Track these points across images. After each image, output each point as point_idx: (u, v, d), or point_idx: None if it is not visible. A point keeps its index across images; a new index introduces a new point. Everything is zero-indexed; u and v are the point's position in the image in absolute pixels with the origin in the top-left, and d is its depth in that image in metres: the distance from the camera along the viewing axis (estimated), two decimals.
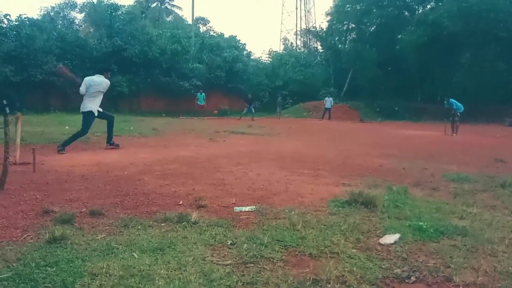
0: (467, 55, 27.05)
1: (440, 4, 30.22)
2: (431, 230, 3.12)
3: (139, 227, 3.14)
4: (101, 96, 8.11)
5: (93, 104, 7.91)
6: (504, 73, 25.27)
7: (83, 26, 33.07)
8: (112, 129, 8.58)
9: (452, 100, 16.21)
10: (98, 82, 8.01)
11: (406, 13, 35.34)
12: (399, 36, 32.16)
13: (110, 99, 25.86)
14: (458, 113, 15.71)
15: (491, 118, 22.83)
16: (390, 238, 2.95)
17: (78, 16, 34.38)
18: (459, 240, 2.98)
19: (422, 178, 5.59)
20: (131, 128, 12.80)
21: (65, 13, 33.09)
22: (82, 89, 7.83)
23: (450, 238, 3.02)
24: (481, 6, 24.50)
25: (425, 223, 3.26)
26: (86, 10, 32.74)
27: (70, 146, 7.74)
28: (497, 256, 2.71)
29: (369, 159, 7.48)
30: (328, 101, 26.50)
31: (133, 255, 2.60)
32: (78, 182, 4.78)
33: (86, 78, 8.09)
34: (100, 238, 2.91)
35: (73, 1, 34.17)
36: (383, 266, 2.51)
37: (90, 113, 7.89)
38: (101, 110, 8.12)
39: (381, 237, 3.02)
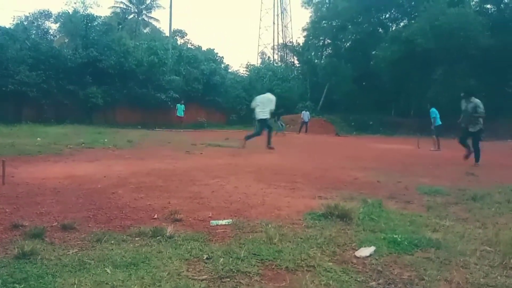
0: (440, 71, 27.89)
1: (413, 22, 31.23)
2: (406, 243, 3.16)
3: (112, 242, 3.07)
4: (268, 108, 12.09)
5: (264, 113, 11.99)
6: (475, 90, 26.13)
7: (57, 36, 32.57)
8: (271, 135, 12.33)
9: (432, 109, 15.48)
10: (266, 98, 12.27)
11: (380, 30, 36.32)
12: (373, 52, 32.97)
13: (85, 110, 25.53)
14: (432, 126, 15.22)
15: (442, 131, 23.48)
16: (365, 251, 2.97)
17: (53, 26, 33.92)
18: (432, 252, 3.02)
19: (397, 191, 5.68)
20: (106, 140, 12.59)
21: (39, 22, 32.55)
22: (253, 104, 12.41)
23: (424, 251, 3.06)
24: (453, 24, 25.39)
25: (400, 236, 3.30)
26: (61, 20, 32.32)
27: (41, 158, 7.54)
28: (469, 268, 2.76)
29: (345, 172, 7.57)
30: (306, 115, 26.77)
31: (106, 270, 2.53)
32: (49, 195, 4.65)
33: (258, 97, 12.71)
34: (72, 253, 2.82)
35: (48, 11, 33.72)
36: (358, 279, 2.53)
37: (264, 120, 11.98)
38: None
39: (356, 250, 3.04)
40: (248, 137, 12.43)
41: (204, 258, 2.80)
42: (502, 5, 31.49)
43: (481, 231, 3.67)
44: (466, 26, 25.56)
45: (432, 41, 26.14)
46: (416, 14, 30.95)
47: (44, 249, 2.84)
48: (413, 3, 33.18)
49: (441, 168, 8.84)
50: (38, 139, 12.08)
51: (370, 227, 3.65)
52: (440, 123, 15.29)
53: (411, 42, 27.45)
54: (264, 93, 13.04)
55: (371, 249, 3.01)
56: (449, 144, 15.13)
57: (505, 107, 27.25)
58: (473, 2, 32.29)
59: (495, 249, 3.09)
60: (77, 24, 27.99)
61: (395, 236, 3.30)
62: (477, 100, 9.59)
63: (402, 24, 35.18)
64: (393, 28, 35.66)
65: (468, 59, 26.86)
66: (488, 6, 32.32)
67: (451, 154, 12.98)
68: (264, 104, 12.32)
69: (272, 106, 12.29)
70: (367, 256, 2.90)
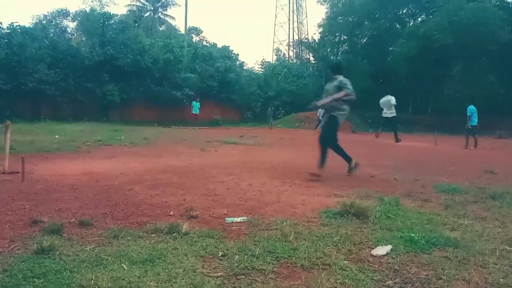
0: (458, 67, 27.42)
1: (431, 17, 30.72)
2: (423, 242, 3.11)
3: (129, 238, 3.10)
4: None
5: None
6: (493, 85, 25.64)
7: (75, 34, 33.05)
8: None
9: (470, 107, 14.58)
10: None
11: (398, 25, 35.83)
12: (390, 48, 32.57)
13: (101, 108, 25.89)
14: (469, 126, 14.41)
15: (481, 130, 23.06)
16: (382, 250, 2.94)
17: (71, 25, 34.41)
18: (450, 251, 2.97)
19: (414, 189, 5.60)
20: (122, 137, 12.74)
21: (57, 21, 33.06)
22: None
23: (442, 250, 3.01)
24: (471, 19, 24.90)
25: (417, 235, 3.25)
26: (79, 18, 32.77)
27: (59, 155, 7.65)
28: (488, 267, 2.70)
29: (361, 169, 7.49)
30: (322, 112, 26.62)
31: (122, 266, 2.55)
32: (67, 191, 4.72)
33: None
34: (89, 249, 2.86)
35: (66, 10, 34.22)
36: (375, 278, 2.50)
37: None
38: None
39: (373, 248, 3.00)
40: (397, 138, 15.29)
41: (219, 255, 2.80)
42: None
43: (500, 230, 3.59)
44: (485, 21, 25.02)
45: (450, 36, 25.68)
46: (434, 9, 30.43)
47: (62, 245, 2.88)
48: None
49: (458, 166, 8.69)
50: (56, 136, 12.30)
51: (386, 225, 3.61)
52: (475, 123, 14.44)
53: (429, 38, 27.02)
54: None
55: (388, 247, 2.97)
56: (464, 141, 14.88)
57: None
58: None
59: None
60: (94, 23, 28.38)
61: (412, 234, 3.26)
62: (343, 78, 6.94)
63: (419, 19, 34.64)
64: (411, 23, 35.14)
65: (487, 54, 26.33)
66: (509, 0, 31.59)
67: (468, 151, 12.77)
68: (384, 105, 15.48)
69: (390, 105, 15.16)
70: (384, 255, 2.87)
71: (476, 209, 4.44)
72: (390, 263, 2.74)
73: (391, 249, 2.95)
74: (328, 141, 6.65)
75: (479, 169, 7.86)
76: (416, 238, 3.18)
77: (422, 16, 34.70)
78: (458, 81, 26.79)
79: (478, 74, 25.88)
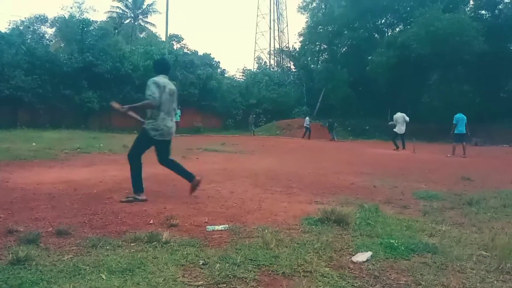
0: (435, 76, 28.06)
1: (408, 27, 31.34)
2: (402, 248, 3.15)
3: (107, 247, 3.04)
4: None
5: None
6: (469, 94, 26.31)
7: (53, 41, 32.54)
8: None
9: (456, 115, 14.60)
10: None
11: (376, 35, 36.46)
12: (369, 57, 33.07)
13: (80, 115, 25.48)
14: (453, 133, 14.42)
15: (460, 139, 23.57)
16: (362, 256, 2.96)
17: (49, 31, 33.90)
18: (429, 257, 3.02)
19: (393, 196, 5.68)
20: (101, 145, 12.55)
21: (35, 27, 32.53)
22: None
23: (421, 256, 3.06)
24: (447, 30, 25.52)
25: (396, 241, 3.29)
26: (57, 25, 32.33)
27: (36, 163, 7.49)
28: (466, 272, 2.76)
29: (341, 177, 7.57)
30: (306, 120, 26.94)
31: (101, 276, 2.51)
32: (44, 200, 4.62)
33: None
34: (67, 258, 2.80)
35: (44, 16, 33.68)
36: (355, 285, 2.52)
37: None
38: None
39: (353, 255, 3.03)
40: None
41: (200, 263, 2.78)
42: (496, 11, 31.72)
43: (477, 235, 3.67)
44: (461, 31, 25.69)
45: (427, 46, 26.26)
46: (412, 19, 31.09)
47: (38, 255, 2.81)
48: (408, 8, 33.36)
49: (436, 173, 8.85)
50: (33, 144, 12.03)
51: (367, 232, 3.65)
52: (461, 131, 14.43)
53: (407, 47, 27.58)
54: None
55: (368, 254, 3.00)
56: (444, 149, 15.20)
57: (499, 112, 27.41)
58: (468, 8, 32.49)
59: (492, 254, 3.10)
60: (73, 29, 28.02)
61: (391, 241, 3.30)
62: (152, 79, 4.99)
63: (397, 29, 35.32)
64: (389, 33, 35.80)
65: (463, 64, 27.04)
66: (483, 12, 32.52)
67: (446, 159, 13.04)
68: (398, 121, 16.58)
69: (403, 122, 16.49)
70: (364, 261, 2.89)
71: (454, 215, 4.52)
72: (370, 269, 2.77)
73: (371, 256, 2.98)
74: (130, 155, 5.03)
75: (456, 176, 8.02)
76: (396, 244, 3.22)
77: (400, 26, 35.38)
78: (435, 89, 27.42)
79: (454, 83, 26.53)
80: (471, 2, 33.13)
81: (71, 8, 30.29)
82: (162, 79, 4.97)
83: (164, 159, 5.16)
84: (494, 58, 27.33)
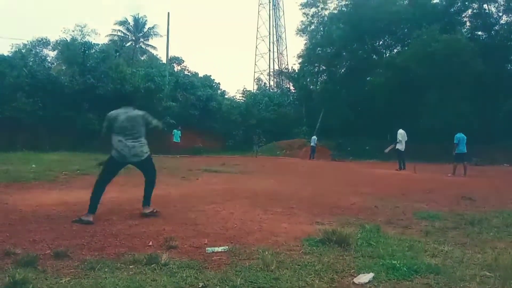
0: (433, 97, 28.17)
1: (406, 48, 31.74)
2: (404, 269, 3.11)
3: (106, 270, 3.01)
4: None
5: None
6: (468, 114, 26.37)
7: (55, 63, 32.85)
8: None
9: (457, 135, 14.64)
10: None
11: (375, 56, 36.85)
12: (368, 78, 33.34)
13: (80, 137, 25.51)
14: (454, 152, 14.48)
15: (462, 158, 23.54)
16: (364, 278, 2.92)
17: (51, 54, 34.23)
18: (432, 278, 2.98)
19: (394, 216, 5.63)
20: (101, 166, 12.51)
21: (37, 50, 32.90)
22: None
23: (423, 277, 3.01)
24: (445, 51, 25.82)
25: (398, 262, 3.25)
26: (59, 48, 32.69)
27: (36, 185, 7.46)
28: None
29: (342, 197, 7.53)
30: (313, 140, 27.04)
31: None
32: (43, 222, 4.58)
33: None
34: (64, 281, 2.76)
35: (46, 39, 34.09)
36: None
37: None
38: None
39: (355, 276, 2.98)
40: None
41: (200, 286, 2.74)
42: (492, 32, 32.17)
43: (480, 256, 3.62)
44: (458, 52, 25.98)
45: (425, 67, 26.53)
46: (409, 40, 31.50)
47: (36, 278, 2.78)
48: (406, 30, 33.83)
49: (438, 193, 8.81)
50: (32, 165, 11.99)
51: (368, 253, 3.60)
52: (462, 151, 14.47)
53: (405, 68, 27.85)
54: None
55: (370, 275, 2.96)
56: (444, 169, 15.16)
57: (499, 132, 27.45)
58: (465, 29, 32.96)
59: (495, 274, 3.05)
60: (74, 52, 28.29)
61: (393, 262, 3.26)
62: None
63: (395, 50, 35.73)
64: (387, 54, 36.21)
65: (461, 84, 27.21)
66: (479, 32, 33.00)
67: (446, 179, 13.00)
68: (403, 138, 16.59)
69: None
70: (366, 283, 2.85)
71: (456, 235, 4.48)
72: None
73: (373, 277, 2.94)
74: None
75: (457, 196, 7.98)
76: (398, 265, 3.18)
77: (397, 48, 35.80)
78: (434, 110, 27.49)
79: (453, 104, 26.61)
80: (468, 24, 33.65)
81: (73, 31, 30.64)
82: (116, 111, 5.76)
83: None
84: (491, 78, 27.58)
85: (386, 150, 17.37)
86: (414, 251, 3.71)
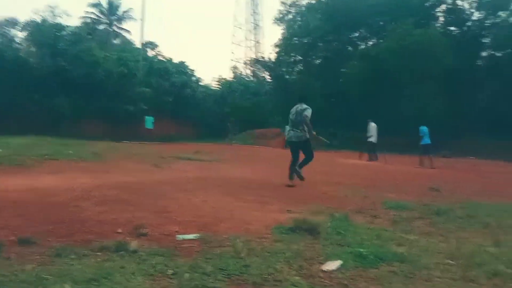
0: (407, 90, 28.73)
1: (381, 41, 32.15)
2: (371, 257, 3.18)
3: (73, 257, 2.95)
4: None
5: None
6: (439, 108, 27.04)
7: (24, 45, 31.65)
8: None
9: (421, 127, 15.30)
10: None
11: (350, 48, 37.16)
12: (343, 70, 33.64)
13: (50, 121, 24.82)
14: (421, 144, 15.07)
15: (430, 150, 24.20)
16: (332, 265, 2.98)
17: (20, 34, 32.92)
18: (397, 266, 3.06)
19: (364, 205, 5.75)
20: (71, 152, 12.21)
21: (5, 30, 31.58)
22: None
23: (389, 265, 3.09)
24: (419, 44, 26.32)
25: (366, 250, 3.33)
26: (29, 29, 31.45)
27: (1, 170, 7.24)
28: (433, 281, 2.81)
29: (313, 186, 7.62)
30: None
31: (64, 286, 2.42)
32: (9, 208, 4.44)
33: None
34: (29, 268, 2.69)
35: (15, 19, 32.75)
36: None
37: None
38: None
39: (323, 264, 3.04)
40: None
41: (169, 273, 2.73)
42: (465, 28, 32.93)
43: (444, 245, 3.75)
44: (431, 46, 26.54)
45: (399, 60, 26.97)
46: (384, 34, 31.91)
47: None
48: (381, 23, 34.21)
49: (406, 184, 9.04)
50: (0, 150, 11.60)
51: (337, 241, 3.67)
52: (429, 142, 15.13)
53: (380, 60, 28.24)
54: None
55: (338, 263, 3.02)
56: (415, 161, 15.55)
57: (468, 126, 28.31)
58: (438, 24, 33.62)
59: (457, 263, 3.17)
60: (45, 33, 27.31)
61: (361, 250, 3.33)
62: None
63: (371, 43, 36.15)
64: (362, 46, 36.59)
65: (434, 78, 27.83)
66: (452, 28, 33.73)
67: (415, 170, 13.35)
68: (374, 131, 17.07)
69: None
70: (334, 270, 2.90)
71: (422, 225, 4.61)
72: (339, 278, 2.78)
73: (341, 264, 3.00)
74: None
75: (425, 187, 8.20)
76: (365, 253, 3.25)
77: (373, 40, 36.22)
78: (407, 103, 28.03)
79: (425, 97, 27.21)
80: (441, 18, 34.32)
81: (44, 12, 29.56)
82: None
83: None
84: (463, 73, 28.32)
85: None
86: (381, 240, 3.80)
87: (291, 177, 7.61)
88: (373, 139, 17.05)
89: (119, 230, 3.76)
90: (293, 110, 8.01)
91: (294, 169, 7.59)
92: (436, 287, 2.70)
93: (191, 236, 3.64)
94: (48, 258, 2.90)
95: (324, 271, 2.89)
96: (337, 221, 4.41)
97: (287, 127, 8.97)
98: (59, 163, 9.64)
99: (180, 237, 3.61)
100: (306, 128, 7.82)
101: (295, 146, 7.99)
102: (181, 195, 5.85)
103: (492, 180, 11.17)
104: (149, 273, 2.71)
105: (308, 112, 7.80)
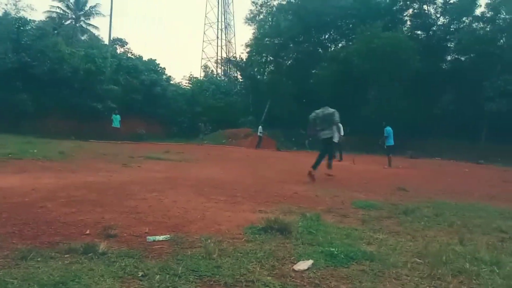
0: (374, 91, 29.41)
1: (350, 43, 32.78)
2: (342, 256, 3.23)
3: (39, 259, 2.85)
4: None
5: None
6: (406, 109, 27.82)
7: None
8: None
9: (386, 128, 15.74)
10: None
11: (320, 50, 37.71)
12: (313, 71, 34.08)
13: (12, 118, 23.88)
14: (385, 145, 15.53)
15: (395, 150, 24.84)
16: (303, 265, 3.00)
17: None
18: (367, 265, 3.12)
19: (334, 205, 5.83)
20: (35, 151, 11.82)
21: None
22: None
23: (359, 263, 3.15)
24: (386, 47, 26.98)
25: (336, 249, 3.37)
26: None
27: None
28: (401, 279, 2.88)
29: (284, 186, 7.67)
30: (260, 129, 27.28)
31: None
32: None
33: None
34: None
35: None
36: None
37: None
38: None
39: (295, 263, 3.06)
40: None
41: (139, 275, 2.68)
42: (431, 32, 34.01)
43: (411, 243, 3.85)
44: (398, 49, 27.27)
45: (367, 62, 27.59)
46: (354, 36, 32.54)
47: None
48: (350, 25, 34.90)
49: (374, 183, 9.23)
50: None
51: (308, 240, 3.70)
52: (392, 143, 15.54)
53: (349, 62, 28.81)
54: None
55: (309, 262, 3.05)
56: (382, 161, 15.91)
57: (433, 127, 29.25)
58: (405, 28, 34.59)
59: (425, 261, 3.26)
60: (7, 27, 26.27)
61: (332, 249, 3.37)
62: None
63: (340, 45, 36.79)
64: (332, 48, 37.19)
65: (401, 81, 28.64)
66: (419, 32, 34.77)
67: (383, 170, 13.66)
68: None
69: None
70: (305, 270, 2.93)
71: (390, 224, 4.72)
72: (311, 277, 2.81)
73: (312, 264, 3.03)
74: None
75: (393, 187, 8.41)
76: (336, 252, 3.29)
77: (342, 42, 36.92)
78: (374, 104, 28.69)
79: (392, 99, 27.94)
80: (408, 22, 35.35)
81: (6, 5, 28.57)
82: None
83: None
84: (428, 76, 29.25)
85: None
86: (351, 239, 3.87)
87: (329, 167, 9.58)
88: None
89: (87, 232, 3.66)
90: (320, 112, 9.33)
91: (330, 162, 9.48)
92: (404, 285, 2.77)
93: (161, 238, 3.58)
94: (13, 261, 2.80)
95: (296, 270, 2.91)
96: (308, 221, 4.45)
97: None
98: (23, 162, 9.31)
99: (151, 238, 3.55)
100: (335, 128, 9.36)
101: (326, 143, 9.40)
102: (151, 195, 5.76)
103: (457, 180, 11.59)
104: (119, 276, 2.65)
105: (337, 116, 9.17)
